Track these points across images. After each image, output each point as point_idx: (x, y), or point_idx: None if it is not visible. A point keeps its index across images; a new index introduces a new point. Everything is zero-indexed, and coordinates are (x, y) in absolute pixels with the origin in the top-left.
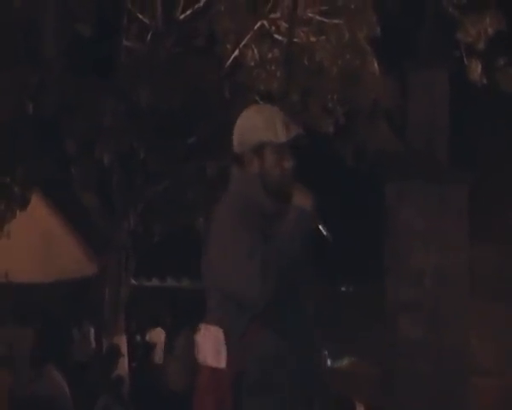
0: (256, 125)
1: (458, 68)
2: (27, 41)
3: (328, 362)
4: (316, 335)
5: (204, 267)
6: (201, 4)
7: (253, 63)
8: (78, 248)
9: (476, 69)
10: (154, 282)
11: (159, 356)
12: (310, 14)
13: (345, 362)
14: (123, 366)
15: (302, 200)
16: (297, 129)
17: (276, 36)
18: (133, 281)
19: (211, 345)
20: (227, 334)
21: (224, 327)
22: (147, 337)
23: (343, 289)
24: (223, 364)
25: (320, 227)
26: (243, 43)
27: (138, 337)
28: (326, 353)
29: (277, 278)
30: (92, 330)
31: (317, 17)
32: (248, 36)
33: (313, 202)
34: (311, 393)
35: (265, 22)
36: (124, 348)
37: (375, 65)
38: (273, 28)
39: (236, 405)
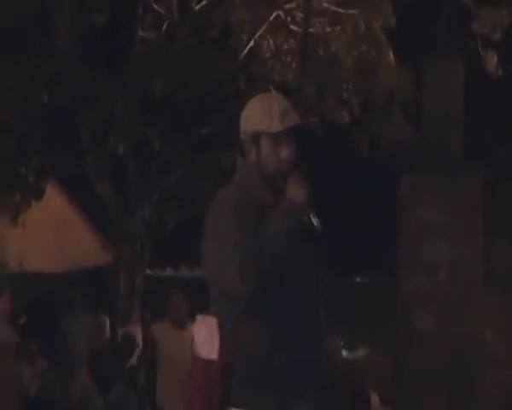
0: (254, 113)
1: (474, 60)
2: (42, 31)
3: (344, 353)
4: (321, 327)
5: (201, 256)
6: None
7: (268, 54)
8: (93, 237)
9: (492, 60)
10: (169, 271)
11: None
12: (325, 5)
13: (360, 353)
14: (138, 355)
15: (294, 192)
16: (294, 119)
17: (292, 26)
18: (148, 270)
19: (204, 336)
20: (221, 325)
21: (218, 318)
22: None
23: (358, 280)
24: (214, 355)
25: (312, 219)
26: (259, 33)
27: (153, 326)
28: (341, 343)
29: (261, 271)
30: (107, 320)
31: (333, 7)
32: (264, 26)
33: (306, 194)
34: (307, 386)
35: (281, 12)
36: (139, 338)
37: (391, 56)
38: (289, 19)
39: (225, 397)
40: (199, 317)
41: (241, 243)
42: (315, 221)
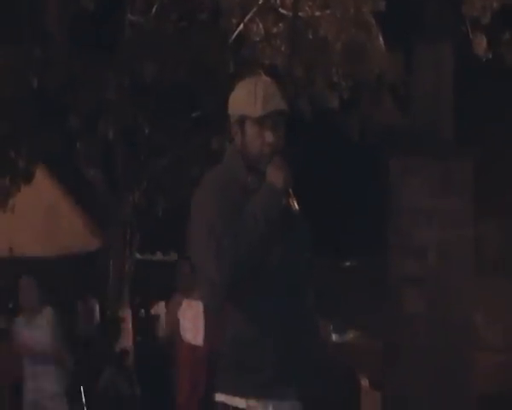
0: (239, 97)
1: (464, 43)
2: (31, 16)
3: (333, 337)
4: (309, 311)
5: (187, 240)
6: None
7: (257, 38)
8: (83, 222)
9: (481, 43)
10: (159, 256)
11: (163, 329)
12: None
13: (349, 337)
14: (128, 339)
15: (274, 175)
16: (279, 104)
17: (281, 10)
18: (137, 255)
19: (190, 320)
20: (205, 310)
21: (203, 303)
22: (151, 311)
23: (347, 263)
24: (200, 340)
25: (291, 203)
26: (248, 17)
27: (143, 311)
28: (331, 327)
29: (238, 254)
30: (96, 304)
31: None
32: (253, 10)
33: (286, 178)
34: (294, 370)
35: None
36: (128, 322)
37: (380, 39)
38: (278, 2)
39: (211, 382)
40: (185, 301)
41: (220, 226)
42: (294, 205)
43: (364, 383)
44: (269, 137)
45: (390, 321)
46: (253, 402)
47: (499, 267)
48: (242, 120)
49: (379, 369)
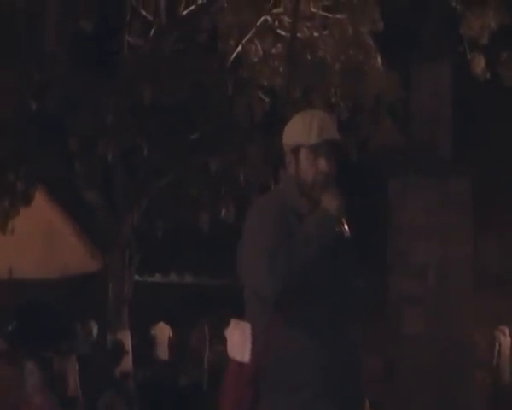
0: (295, 127)
1: (461, 63)
2: (30, 38)
3: None
4: (353, 333)
5: (237, 257)
6: (204, 0)
7: (256, 59)
8: (82, 244)
9: (479, 63)
10: (157, 278)
11: (163, 351)
12: (313, 9)
13: None
14: (127, 361)
15: (329, 202)
16: (332, 134)
17: (280, 31)
18: (137, 277)
19: (237, 339)
20: (253, 329)
21: (251, 322)
22: (151, 332)
23: None
24: (246, 358)
25: (344, 230)
26: (246, 38)
27: (142, 333)
28: None
29: (288, 272)
30: (96, 326)
31: (320, 12)
32: (251, 31)
33: (340, 205)
34: (339, 390)
35: (268, 17)
36: (128, 344)
37: (378, 60)
38: (276, 23)
39: (254, 401)
40: (232, 321)
41: (273, 245)
42: (346, 232)
43: (365, 403)
44: (322, 165)
45: (390, 340)
46: None
47: (498, 285)
48: (297, 149)
49: (379, 388)
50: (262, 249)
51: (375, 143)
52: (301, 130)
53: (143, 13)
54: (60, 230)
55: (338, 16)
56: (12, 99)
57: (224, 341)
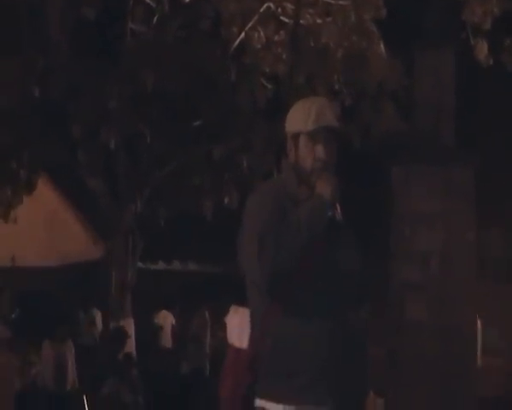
0: (295, 114)
1: (465, 49)
2: (33, 25)
3: None
4: (352, 320)
5: (238, 247)
6: None
7: (259, 46)
8: (85, 232)
9: (483, 49)
10: (160, 265)
11: (166, 339)
12: None
13: None
14: (130, 348)
15: (323, 188)
16: (330, 120)
17: (283, 18)
18: (140, 264)
19: (236, 325)
20: (252, 315)
21: (251, 309)
22: (154, 320)
23: None
24: (245, 344)
25: (336, 215)
26: (249, 25)
27: (145, 320)
28: None
29: (278, 256)
30: (99, 314)
31: None
32: (254, 18)
33: (334, 191)
34: (331, 378)
35: (271, 4)
36: (131, 331)
37: (381, 46)
38: (279, 10)
39: (252, 386)
40: (232, 308)
41: (266, 233)
42: (339, 217)
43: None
44: (320, 152)
45: (392, 328)
46: (289, 408)
47: (501, 273)
48: (296, 136)
49: (381, 376)
50: (252, 235)
51: (377, 131)
52: (300, 117)
53: (146, 0)
54: (62, 217)
55: (341, 3)
56: (15, 87)
57: (225, 327)
